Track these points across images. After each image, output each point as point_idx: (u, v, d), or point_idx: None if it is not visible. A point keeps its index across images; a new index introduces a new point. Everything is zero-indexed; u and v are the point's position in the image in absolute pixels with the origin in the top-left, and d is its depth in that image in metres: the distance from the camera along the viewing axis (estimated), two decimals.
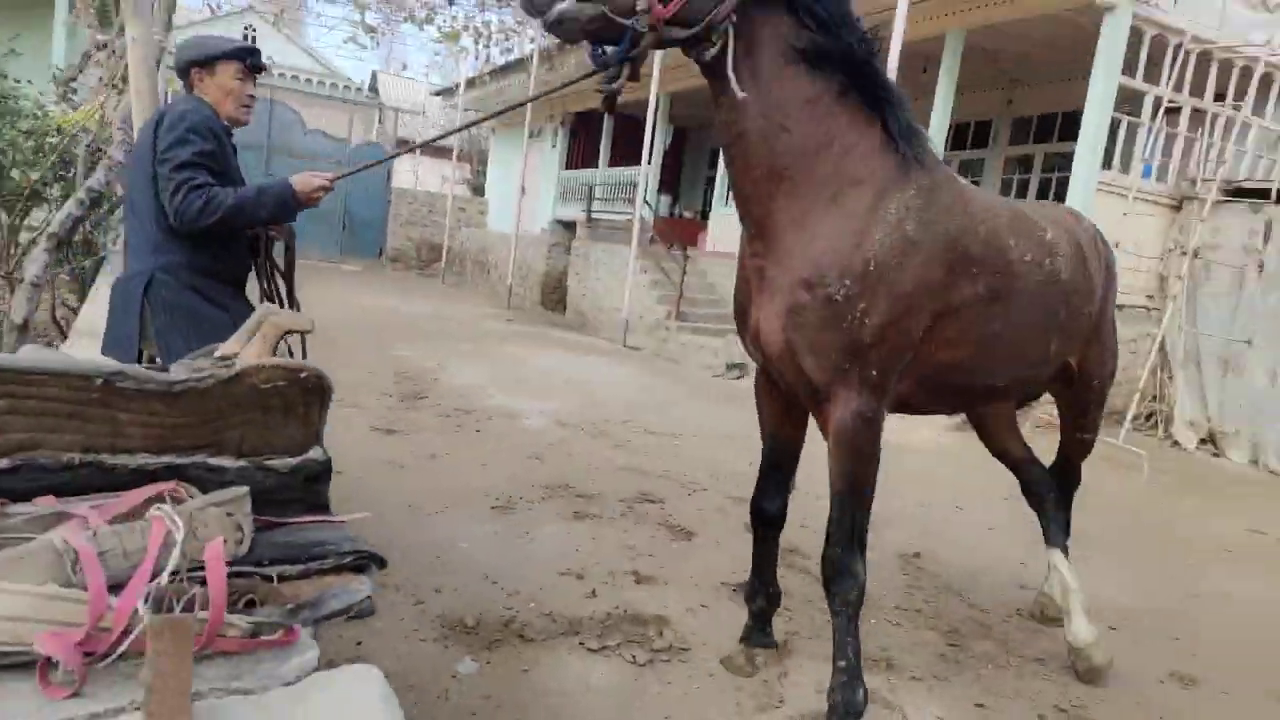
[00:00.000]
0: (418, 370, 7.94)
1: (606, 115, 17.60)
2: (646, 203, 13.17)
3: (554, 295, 16.04)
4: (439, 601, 3.12)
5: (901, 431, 6.49)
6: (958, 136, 12.87)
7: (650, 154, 13.27)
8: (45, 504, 1.29)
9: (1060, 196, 9.40)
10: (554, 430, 6.19)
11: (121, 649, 1.07)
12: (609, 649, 2.93)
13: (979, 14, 9.36)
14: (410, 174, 27.45)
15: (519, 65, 17.28)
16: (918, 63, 10.44)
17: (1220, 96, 8.83)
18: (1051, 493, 3.55)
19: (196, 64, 2.72)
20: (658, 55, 11.74)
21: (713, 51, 2.29)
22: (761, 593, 3.01)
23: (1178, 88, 8.48)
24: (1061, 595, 3.35)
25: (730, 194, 13.36)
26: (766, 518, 2.93)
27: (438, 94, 24.15)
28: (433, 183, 29.28)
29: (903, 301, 2.36)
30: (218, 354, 1.77)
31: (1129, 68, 8.25)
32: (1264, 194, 8.27)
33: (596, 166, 17.38)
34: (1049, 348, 2.90)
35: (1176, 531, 5.50)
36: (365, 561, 1.45)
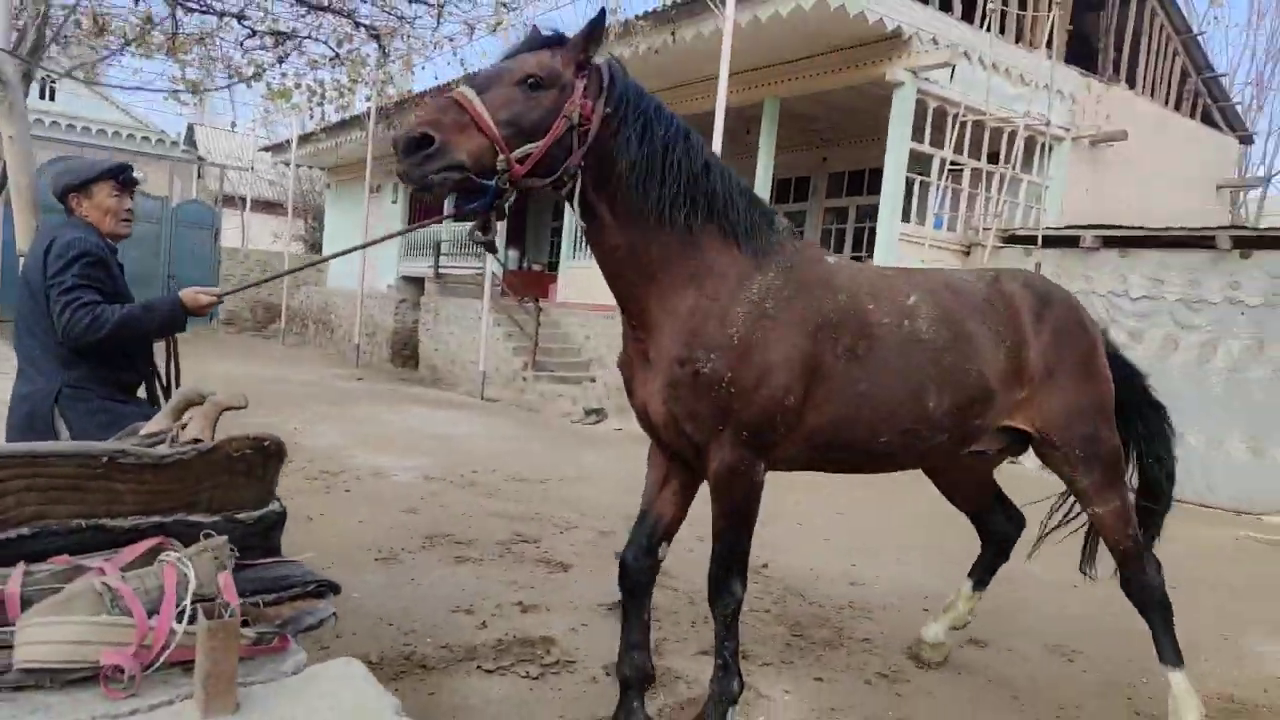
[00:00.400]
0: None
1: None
2: (499, 259, 13.55)
3: (404, 352, 16.04)
4: (341, 645, 3.37)
5: None
6: (782, 190, 14.13)
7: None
8: (60, 562, 1.58)
9: (870, 245, 10.60)
10: (424, 485, 6.43)
11: (163, 659, 1.40)
12: (504, 669, 3.30)
13: (788, 86, 10.52)
14: (237, 231, 26.38)
15: (355, 122, 17.29)
16: (742, 125, 11.49)
17: (994, 157, 10.31)
18: (1006, 543, 3.86)
19: (73, 189, 2.87)
20: None
21: (569, 188, 2.57)
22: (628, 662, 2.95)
23: (958, 150, 9.86)
24: (950, 611, 3.79)
25: (578, 247, 13.93)
26: (629, 573, 2.96)
27: (267, 149, 23.54)
28: (263, 240, 28.30)
29: (766, 369, 2.67)
30: (143, 432, 2.07)
31: (918, 134, 9.54)
32: (1033, 240, 9.71)
33: (440, 222, 17.60)
34: (927, 405, 2.91)
35: (945, 511, 6.38)
36: (324, 589, 1.81)
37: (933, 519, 6.38)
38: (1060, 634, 4.25)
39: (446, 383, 13.66)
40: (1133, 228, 9.07)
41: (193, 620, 1.43)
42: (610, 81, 2.60)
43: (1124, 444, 3.32)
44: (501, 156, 2.37)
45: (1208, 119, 13.84)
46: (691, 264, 2.72)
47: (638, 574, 2.94)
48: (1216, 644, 4.27)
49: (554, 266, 18.60)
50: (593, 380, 11.22)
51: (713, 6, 8.95)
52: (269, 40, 9.00)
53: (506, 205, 2.49)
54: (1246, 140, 15.31)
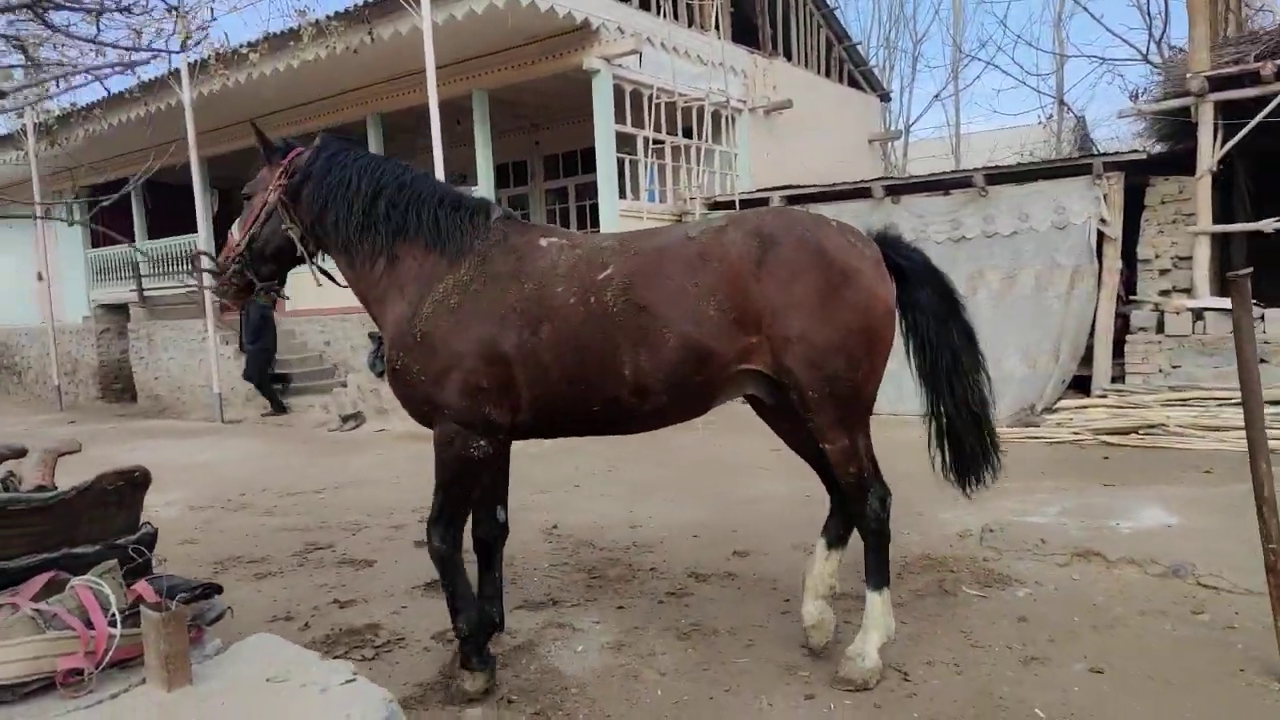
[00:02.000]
0: None
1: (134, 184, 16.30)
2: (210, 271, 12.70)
3: (116, 386, 14.56)
4: None
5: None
6: (500, 175, 14.53)
7: (200, 221, 12.87)
8: None
9: (595, 222, 11.39)
10: (192, 515, 6.20)
11: (108, 658, 1.62)
12: (339, 657, 3.51)
13: (494, 77, 10.96)
14: None
15: (9, 140, 15.16)
16: (454, 115, 11.74)
17: (689, 132, 11.46)
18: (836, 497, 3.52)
19: None
20: (190, 119, 11.52)
21: (301, 250, 3.49)
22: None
23: (657, 128, 10.87)
24: (808, 577, 3.48)
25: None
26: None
27: None
28: None
29: (450, 358, 3.03)
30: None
31: (620, 115, 10.40)
32: (731, 205, 10.99)
33: (133, 240, 16.03)
34: (623, 373, 3.01)
35: (724, 461, 7.37)
36: (210, 590, 2.05)
37: (690, 464, 7.29)
38: (805, 537, 5.17)
39: (175, 411, 12.67)
40: (808, 186, 10.61)
41: (128, 622, 1.66)
42: (295, 161, 3.42)
43: (933, 374, 3.30)
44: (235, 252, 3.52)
45: (853, 82, 16.19)
46: (396, 278, 3.27)
47: (488, 536, 3.60)
48: (907, 519, 5.44)
49: None
50: (343, 385, 11.05)
51: (407, 6, 9.11)
52: None
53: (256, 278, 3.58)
54: (885, 98, 18.07)
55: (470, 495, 3.27)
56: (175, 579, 2.05)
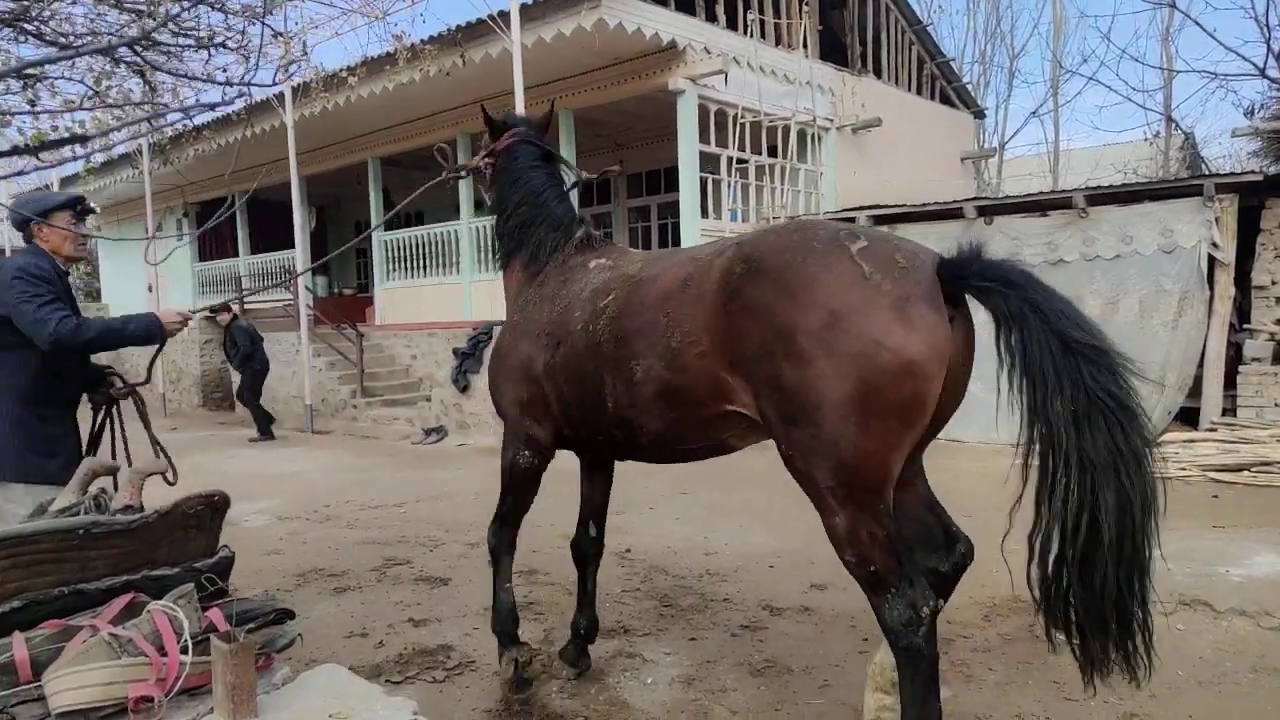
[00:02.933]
0: None
1: (236, 202, 17.14)
2: (308, 288, 13.22)
3: (216, 394, 15.26)
4: None
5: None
6: (585, 194, 14.69)
7: (298, 237, 13.42)
8: (50, 627, 1.76)
9: (677, 241, 11.37)
10: (279, 526, 6.40)
11: (178, 686, 1.64)
12: (410, 678, 3.56)
13: (580, 97, 11.09)
14: None
15: (125, 160, 16.11)
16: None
17: (773, 151, 11.35)
18: (935, 574, 2.79)
19: (34, 217, 3.16)
20: (291, 139, 12.01)
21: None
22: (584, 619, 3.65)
23: (741, 148, 10.80)
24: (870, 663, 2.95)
25: (393, 267, 13.85)
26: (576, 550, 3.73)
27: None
28: None
29: (508, 373, 3.33)
30: (55, 507, 2.23)
31: (704, 135, 10.37)
32: None
33: (236, 255, 16.84)
34: (607, 404, 2.91)
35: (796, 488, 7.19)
36: (283, 615, 2.07)
37: (768, 489, 7.14)
38: None
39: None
40: (897, 206, 10.35)
41: (199, 647, 1.68)
42: (502, 141, 3.60)
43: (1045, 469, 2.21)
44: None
45: (945, 99, 15.79)
46: (506, 287, 3.63)
47: (584, 550, 3.70)
48: (996, 558, 5.19)
49: (364, 289, 18.26)
50: (427, 399, 11.29)
51: (497, 29, 9.31)
52: (14, 84, 8.41)
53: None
54: (979, 115, 17.57)
55: (522, 501, 3.46)
56: (250, 603, 2.07)
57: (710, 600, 4.54)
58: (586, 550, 3.66)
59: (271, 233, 16.43)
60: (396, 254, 13.69)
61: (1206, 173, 10.38)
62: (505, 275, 3.65)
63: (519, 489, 3.41)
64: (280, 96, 11.92)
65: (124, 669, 1.61)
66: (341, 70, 10.30)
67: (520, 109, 9.38)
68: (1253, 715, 3.08)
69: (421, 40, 9.79)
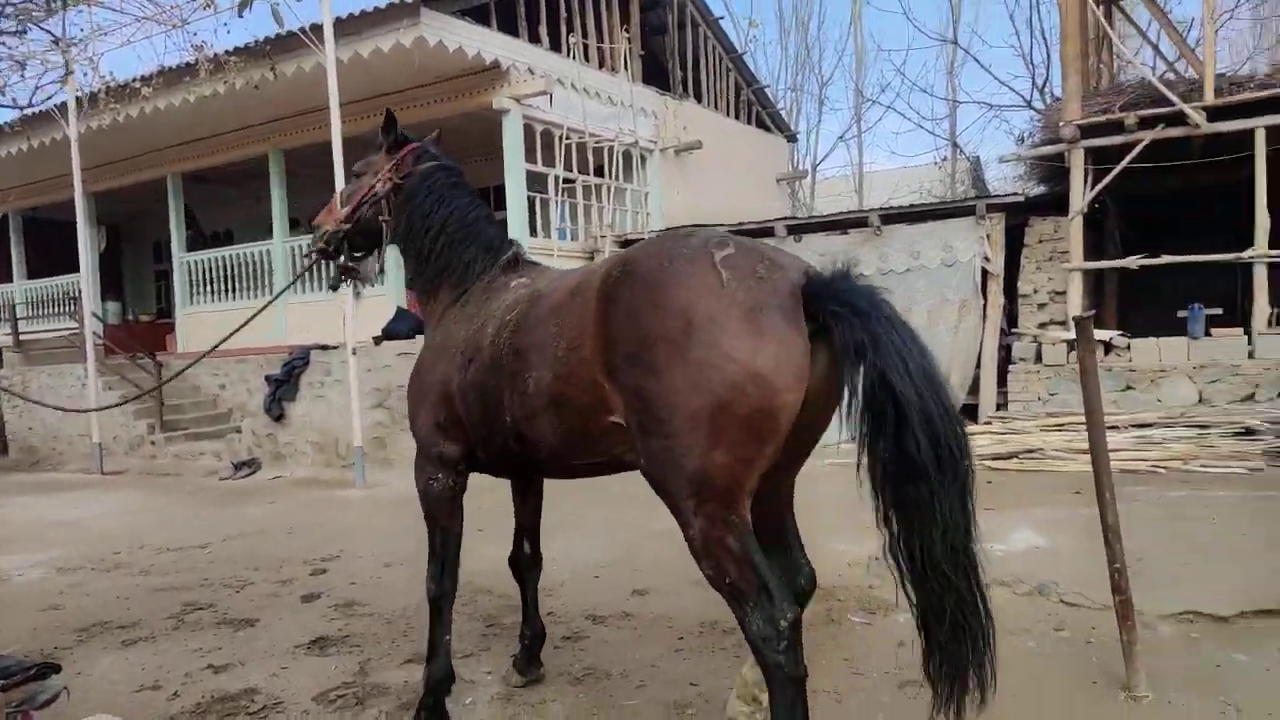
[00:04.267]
0: None
1: (11, 222, 15.44)
2: (96, 315, 12.10)
3: None
4: None
5: None
6: None
7: (84, 260, 12.28)
8: None
9: None
10: (59, 578, 5.81)
11: None
12: None
13: (404, 114, 10.69)
14: None
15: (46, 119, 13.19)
16: (360, 152, 11.48)
17: (600, 171, 11.57)
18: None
19: None
20: (76, 153, 11.03)
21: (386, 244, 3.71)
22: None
23: (568, 167, 10.94)
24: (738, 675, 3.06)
25: (196, 290, 13.01)
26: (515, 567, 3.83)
27: None
28: None
29: (424, 394, 3.27)
30: None
31: (531, 154, 10.44)
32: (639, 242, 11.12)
33: (11, 280, 15.22)
34: (504, 418, 2.92)
35: (636, 495, 7.32)
36: (46, 670, 1.92)
37: (600, 502, 7.22)
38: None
39: (50, 463, 11.95)
40: (714, 225, 10.80)
41: None
42: (406, 161, 3.54)
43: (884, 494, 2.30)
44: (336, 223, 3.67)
45: (761, 123, 16.66)
46: (430, 311, 3.54)
47: (521, 565, 3.80)
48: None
49: (165, 314, 16.93)
50: (237, 431, 10.61)
51: (310, 43, 8.97)
52: None
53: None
54: (792, 138, 18.67)
55: (450, 530, 3.31)
56: (9, 659, 1.91)
57: None
58: (524, 565, 3.77)
59: (54, 255, 14.92)
60: (202, 276, 12.82)
61: (978, 195, 11.56)
62: (425, 297, 3.57)
63: (441, 516, 3.29)
64: (63, 107, 10.91)
65: None
66: (134, 80, 9.57)
67: (336, 126, 9.09)
68: (1005, 671, 3.40)
69: (226, 51, 9.27)
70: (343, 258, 3.75)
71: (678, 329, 2.30)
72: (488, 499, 7.25)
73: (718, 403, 2.24)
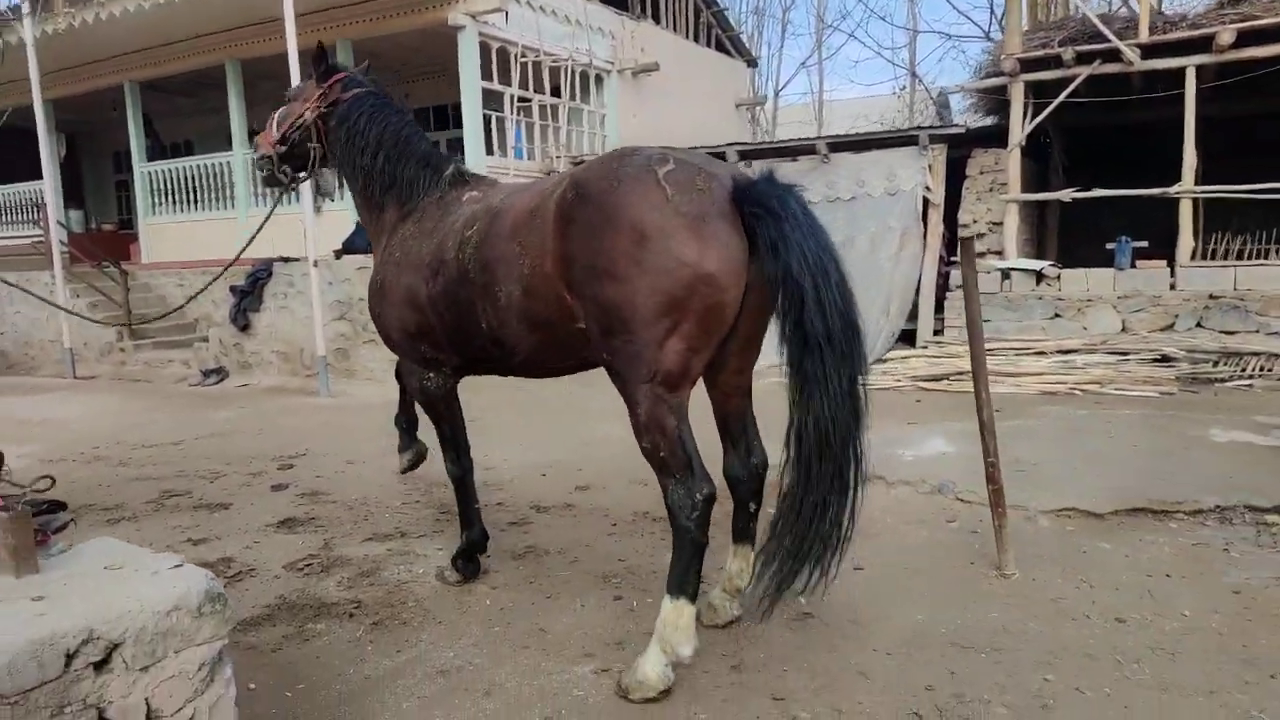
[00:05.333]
0: None
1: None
2: (60, 223, 12.12)
3: None
4: None
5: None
6: None
7: (46, 167, 12.23)
8: None
9: None
10: (43, 468, 6.15)
11: None
12: None
13: (357, 28, 10.85)
14: None
15: None
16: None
17: (556, 91, 11.69)
18: (736, 485, 3.29)
19: None
20: (33, 59, 10.91)
21: (314, 166, 4.02)
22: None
23: (524, 86, 11.05)
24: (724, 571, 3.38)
25: (159, 201, 12.99)
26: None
27: None
28: None
29: (393, 305, 3.54)
30: None
31: (486, 73, 10.53)
32: None
33: None
34: (480, 325, 3.20)
35: (582, 407, 7.82)
36: (56, 506, 2.34)
37: (549, 412, 7.69)
38: (643, 474, 5.69)
39: (23, 368, 12.13)
40: (669, 148, 11.04)
41: None
42: (335, 88, 3.80)
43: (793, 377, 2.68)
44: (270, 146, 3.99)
45: (720, 47, 16.67)
46: (380, 226, 3.76)
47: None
48: None
49: (127, 225, 16.87)
50: (204, 340, 10.87)
51: None
52: None
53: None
54: (752, 63, 18.66)
55: (454, 420, 3.74)
56: (21, 496, 2.32)
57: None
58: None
59: (12, 163, 14.75)
60: (163, 187, 12.84)
61: (920, 126, 11.87)
62: (370, 213, 3.83)
63: (442, 409, 3.69)
64: (16, 9, 10.74)
65: None
66: None
67: (291, 37, 9.12)
68: (898, 554, 4.01)
69: None
70: (279, 176, 4.08)
71: (632, 242, 2.60)
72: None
73: (672, 301, 2.58)
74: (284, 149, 3.98)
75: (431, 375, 3.62)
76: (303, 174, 4.08)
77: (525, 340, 3.10)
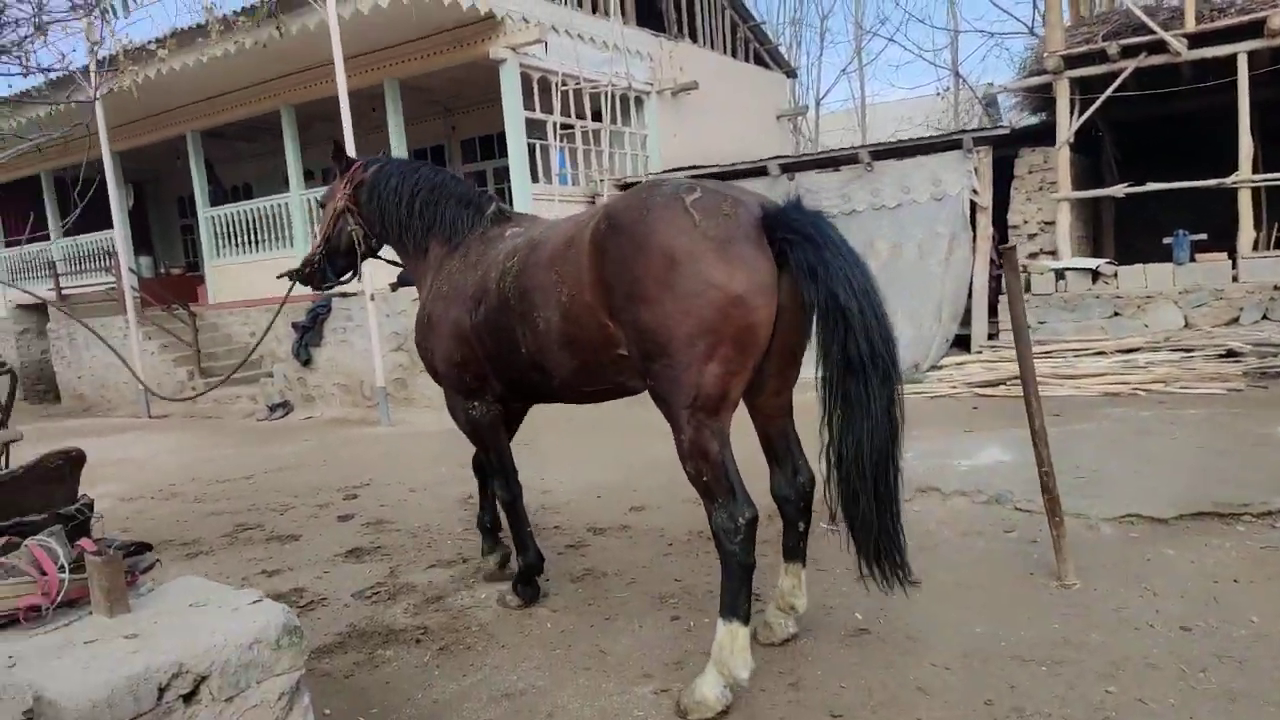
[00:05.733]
0: None
1: (44, 182, 16.04)
2: (131, 269, 12.72)
3: (39, 387, 14.48)
4: None
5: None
6: (420, 158, 14.73)
7: (116, 216, 12.87)
8: None
9: (511, 205, 11.76)
10: (124, 507, 6.50)
11: (62, 596, 2.07)
12: None
13: (404, 67, 11.20)
14: None
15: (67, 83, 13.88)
16: (367, 104, 11.95)
17: (597, 116, 11.88)
18: (785, 504, 3.32)
19: None
20: (101, 115, 11.49)
21: (365, 248, 4.35)
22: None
23: (566, 113, 11.27)
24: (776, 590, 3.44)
25: (223, 244, 13.48)
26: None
27: None
28: None
29: (441, 338, 3.74)
30: None
31: (529, 102, 10.77)
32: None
33: (48, 239, 15.85)
34: (521, 351, 3.35)
35: (633, 427, 7.90)
36: (142, 548, 2.50)
37: (600, 433, 7.81)
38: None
39: (101, 409, 12.73)
40: (710, 166, 11.15)
41: (74, 571, 2.10)
42: (357, 173, 4.15)
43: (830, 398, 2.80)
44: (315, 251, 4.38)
45: (759, 60, 16.73)
46: (425, 266, 3.99)
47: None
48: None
49: (194, 268, 17.57)
50: (269, 375, 11.27)
51: (312, 1, 9.32)
52: None
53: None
54: (792, 74, 18.69)
55: (500, 447, 3.92)
56: (111, 539, 2.49)
57: (541, 528, 5.13)
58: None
59: (83, 213, 15.50)
60: (226, 230, 13.37)
61: (965, 129, 11.74)
62: (413, 259, 4.08)
63: (488, 438, 3.89)
64: (85, 70, 11.34)
65: (12, 586, 2.02)
66: (150, 43, 9.97)
67: (341, 80, 9.47)
68: (955, 567, 3.98)
69: (234, 12, 9.64)
70: (330, 278, 4.43)
71: (663, 267, 2.71)
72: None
73: (705, 324, 2.67)
74: (329, 246, 4.31)
75: (476, 404, 3.79)
76: (349, 274, 4.46)
77: (564, 365, 3.22)
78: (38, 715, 1.69)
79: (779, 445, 3.29)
